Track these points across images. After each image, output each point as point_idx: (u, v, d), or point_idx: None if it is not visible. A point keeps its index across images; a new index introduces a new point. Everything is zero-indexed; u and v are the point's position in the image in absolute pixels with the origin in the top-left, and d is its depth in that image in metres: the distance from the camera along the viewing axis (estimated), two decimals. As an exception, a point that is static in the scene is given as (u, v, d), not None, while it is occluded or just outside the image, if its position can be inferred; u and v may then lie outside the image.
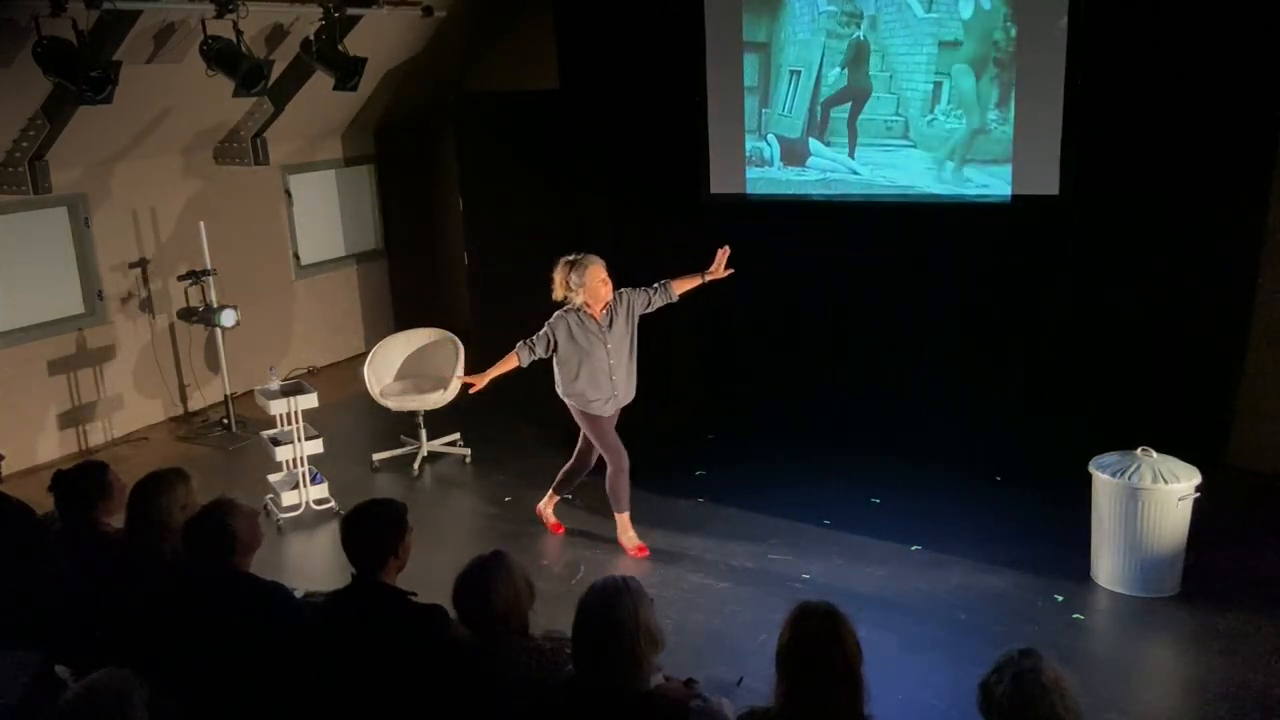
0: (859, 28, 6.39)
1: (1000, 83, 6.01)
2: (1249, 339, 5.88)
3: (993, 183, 6.15)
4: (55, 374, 7.15)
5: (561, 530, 5.72)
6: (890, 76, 6.35)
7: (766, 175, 6.92)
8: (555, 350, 5.24)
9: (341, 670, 2.98)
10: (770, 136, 6.85)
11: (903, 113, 6.35)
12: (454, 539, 5.72)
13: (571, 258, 5.16)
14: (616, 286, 5.24)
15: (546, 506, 5.78)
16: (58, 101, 6.21)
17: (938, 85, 6.20)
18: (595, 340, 5.18)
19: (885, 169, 6.49)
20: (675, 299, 5.35)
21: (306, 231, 8.93)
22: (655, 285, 5.31)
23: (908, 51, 6.26)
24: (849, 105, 6.53)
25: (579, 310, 5.16)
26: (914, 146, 6.36)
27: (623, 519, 5.46)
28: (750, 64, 6.80)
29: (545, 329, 5.24)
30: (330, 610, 3.17)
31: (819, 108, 6.63)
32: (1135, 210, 5.83)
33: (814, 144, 6.70)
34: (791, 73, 6.68)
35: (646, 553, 5.40)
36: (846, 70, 6.47)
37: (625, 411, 5.24)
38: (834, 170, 6.67)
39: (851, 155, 6.58)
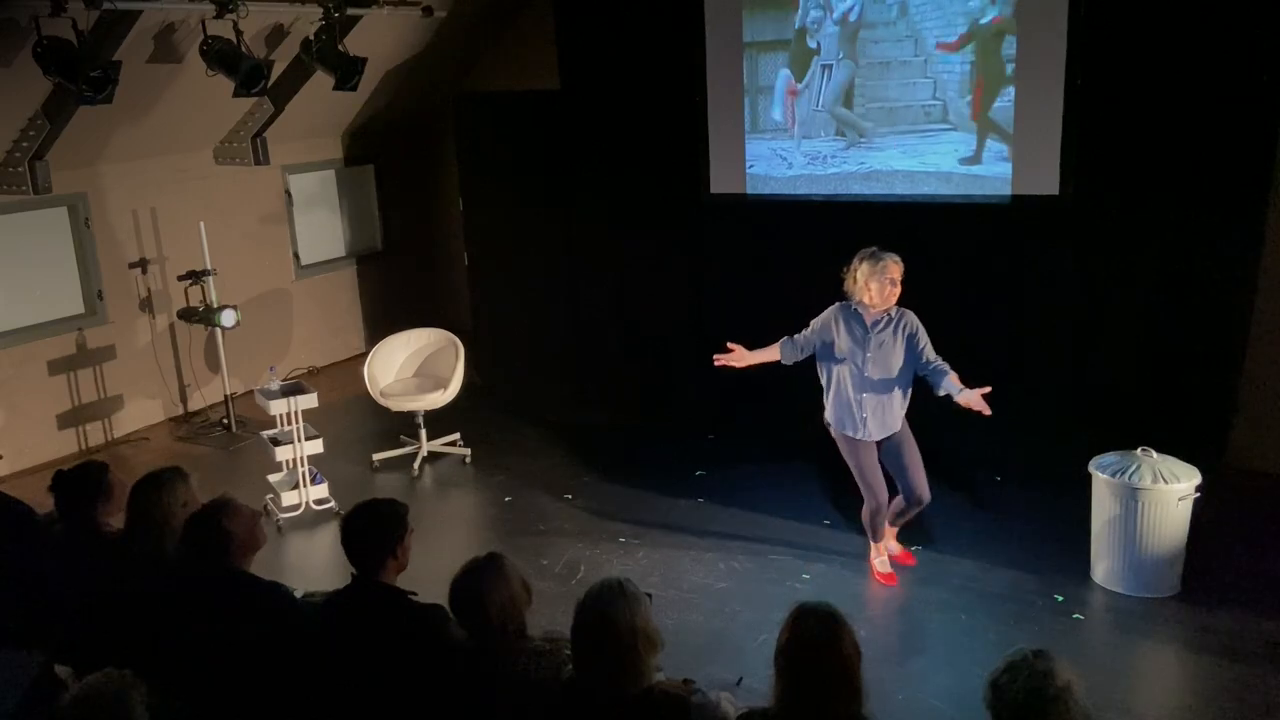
0: (891, 14, 6.34)
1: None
2: (1249, 339, 5.88)
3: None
4: (55, 374, 7.15)
5: (894, 581, 5.03)
6: (925, 61, 6.30)
7: (805, 173, 6.82)
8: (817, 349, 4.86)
9: (341, 670, 2.98)
10: (807, 134, 6.79)
11: (940, 96, 6.29)
12: (454, 539, 5.72)
13: (871, 250, 4.76)
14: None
15: (875, 557, 5.11)
16: (58, 101, 6.21)
17: (974, 66, 6.15)
18: (856, 345, 4.78)
19: (925, 155, 6.40)
20: (938, 392, 4.72)
21: (306, 231, 8.93)
22: (935, 360, 4.73)
23: (943, 34, 6.21)
24: (885, 94, 6.46)
25: (855, 304, 4.79)
26: (954, 129, 6.29)
27: (874, 546, 5.10)
28: (780, 60, 6.75)
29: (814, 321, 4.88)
30: (330, 610, 3.17)
31: (854, 99, 6.57)
32: (1135, 210, 5.84)
33: (849, 136, 6.64)
34: (823, 67, 6.64)
35: (895, 581, 5.00)
36: (879, 60, 6.42)
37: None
38: (869, 161, 6.60)
39: (888, 144, 6.52)
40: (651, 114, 7.20)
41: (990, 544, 5.29)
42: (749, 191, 7.01)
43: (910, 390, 4.89)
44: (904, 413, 4.89)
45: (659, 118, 7.17)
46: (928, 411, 6.43)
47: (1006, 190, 6.15)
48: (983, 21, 6.06)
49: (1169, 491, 4.63)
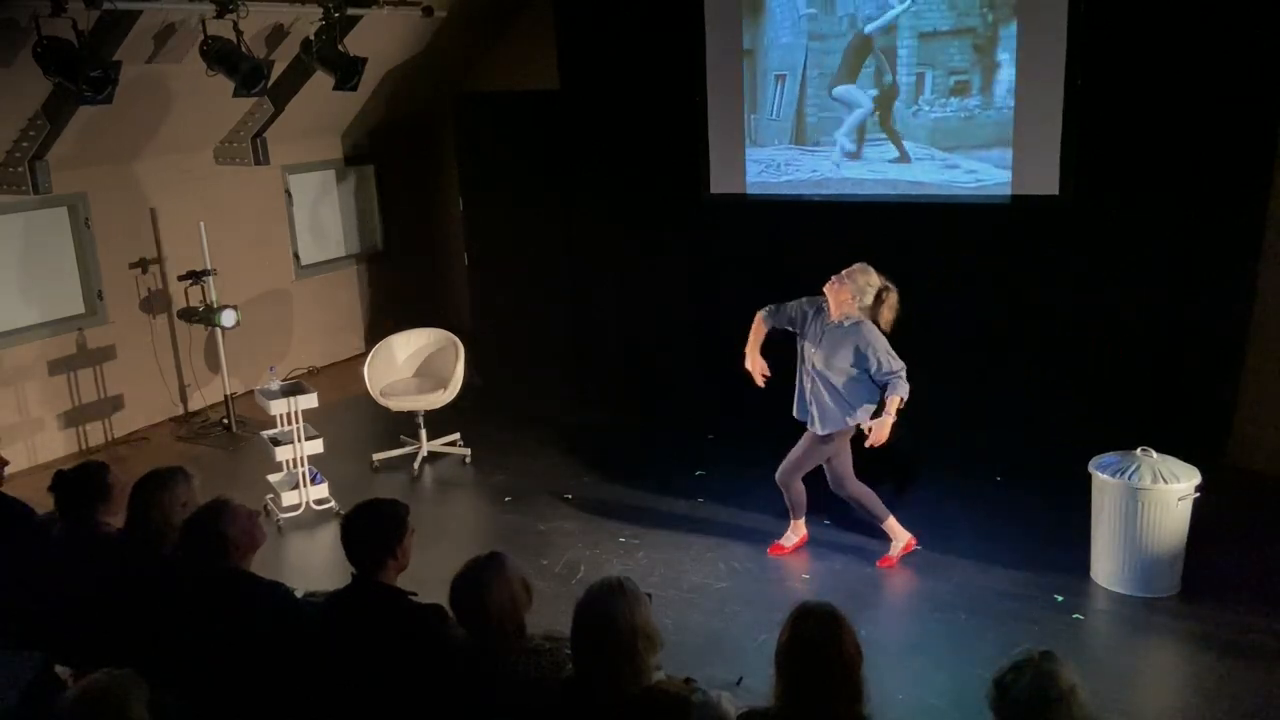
0: (839, 26, 6.45)
1: (981, 68, 6.08)
2: (1249, 339, 5.88)
3: (981, 168, 6.19)
4: (55, 374, 7.15)
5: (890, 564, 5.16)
6: (874, 71, 6.41)
7: (758, 180, 6.98)
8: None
9: (341, 670, 2.98)
10: (761, 143, 6.88)
11: (882, 105, 6.43)
12: (454, 539, 5.71)
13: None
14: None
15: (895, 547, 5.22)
16: (58, 101, 6.21)
17: (920, 77, 6.27)
18: (810, 338, 5.00)
19: (874, 164, 6.55)
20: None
21: (306, 231, 8.93)
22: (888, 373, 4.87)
23: (888, 42, 6.33)
24: (837, 105, 6.58)
25: (823, 300, 5.00)
26: (901, 139, 6.43)
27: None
28: (753, 68, 6.84)
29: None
30: (330, 610, 3.17)
31: (806, 110, 6.67)
32: (1135, 210, 5.84)
33: (803, 147, 6.74)
34: (776, 77, 6.71)
35: (783, 551, 5.31)
36: (831, 70, 6.54)
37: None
38: (821, 170, 6.72)
39: (858, 155, 6.62)
40: (651, 114, 7.20)
41: (990, 544, 5.29)
42: (748, 192, 7.02)
43: (854, 405, 5.00)
44: (843, 425, 5.01)
45: (659, 118, 7.18)
46: (929, 410, 6.47)
47: (1006, 191, 6.16)
48: (925, 29, 6.20)
49: (1169, 491, 4.63)
